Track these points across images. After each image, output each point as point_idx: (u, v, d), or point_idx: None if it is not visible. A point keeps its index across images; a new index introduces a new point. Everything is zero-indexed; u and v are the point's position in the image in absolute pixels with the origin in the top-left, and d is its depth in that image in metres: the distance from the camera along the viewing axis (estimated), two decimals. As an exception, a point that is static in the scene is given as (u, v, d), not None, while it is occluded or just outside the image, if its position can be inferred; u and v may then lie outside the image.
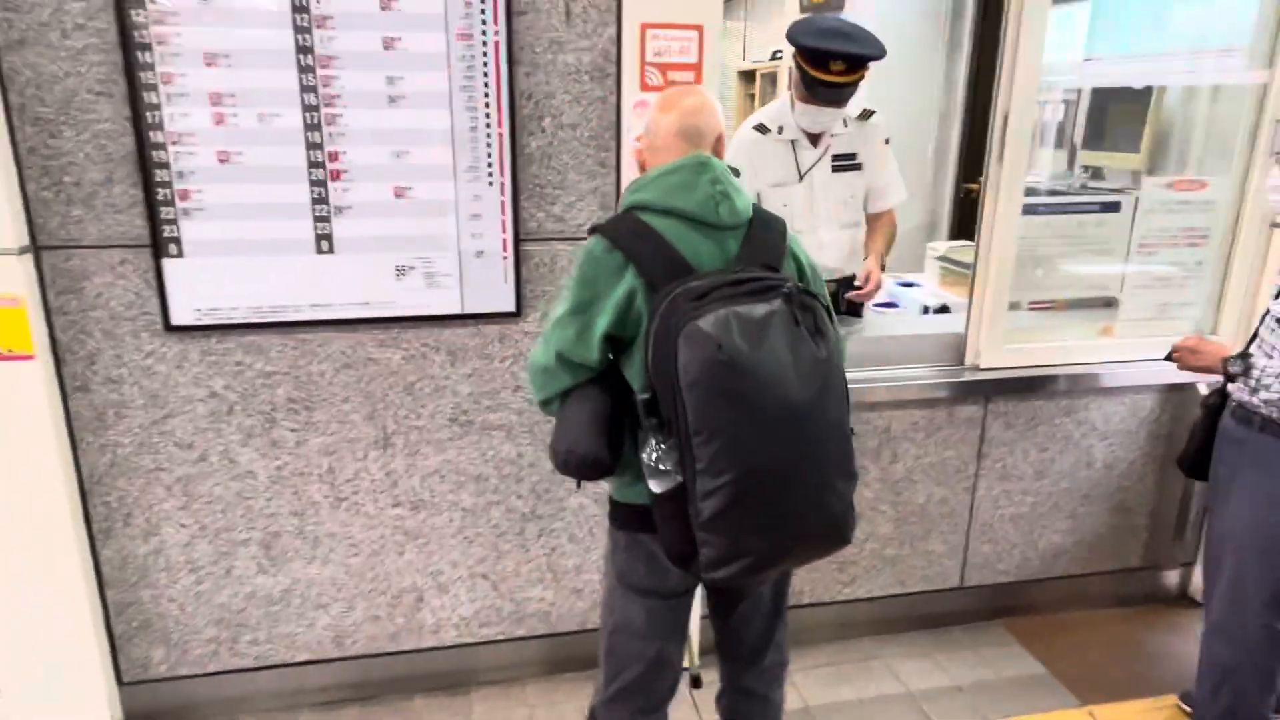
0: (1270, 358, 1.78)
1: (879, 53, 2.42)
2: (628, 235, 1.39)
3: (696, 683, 2.00)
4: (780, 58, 5.88)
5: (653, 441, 1.36)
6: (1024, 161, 2.33)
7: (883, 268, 2.78)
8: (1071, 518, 2.67)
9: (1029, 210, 2.41)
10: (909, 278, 3.32)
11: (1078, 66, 3.02)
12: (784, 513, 1.36)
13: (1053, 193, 2.83)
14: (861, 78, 2.43)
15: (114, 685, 2.19)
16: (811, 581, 2.53)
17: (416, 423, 2.18)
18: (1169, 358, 2.12)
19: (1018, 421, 2.52)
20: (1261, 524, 1.83)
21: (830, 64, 2.34)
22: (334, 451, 2.16)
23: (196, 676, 2.28)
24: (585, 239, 1.52)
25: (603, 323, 1.37)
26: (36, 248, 1.89)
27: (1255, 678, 1.95)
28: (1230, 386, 1.91)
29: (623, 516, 1.56)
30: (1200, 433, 2.05)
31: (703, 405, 1.26)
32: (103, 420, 2.04)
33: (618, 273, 1.37)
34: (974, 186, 3.94)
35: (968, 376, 2.46)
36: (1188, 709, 2.29)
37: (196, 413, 2.07)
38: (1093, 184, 2.98)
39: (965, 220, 4.21)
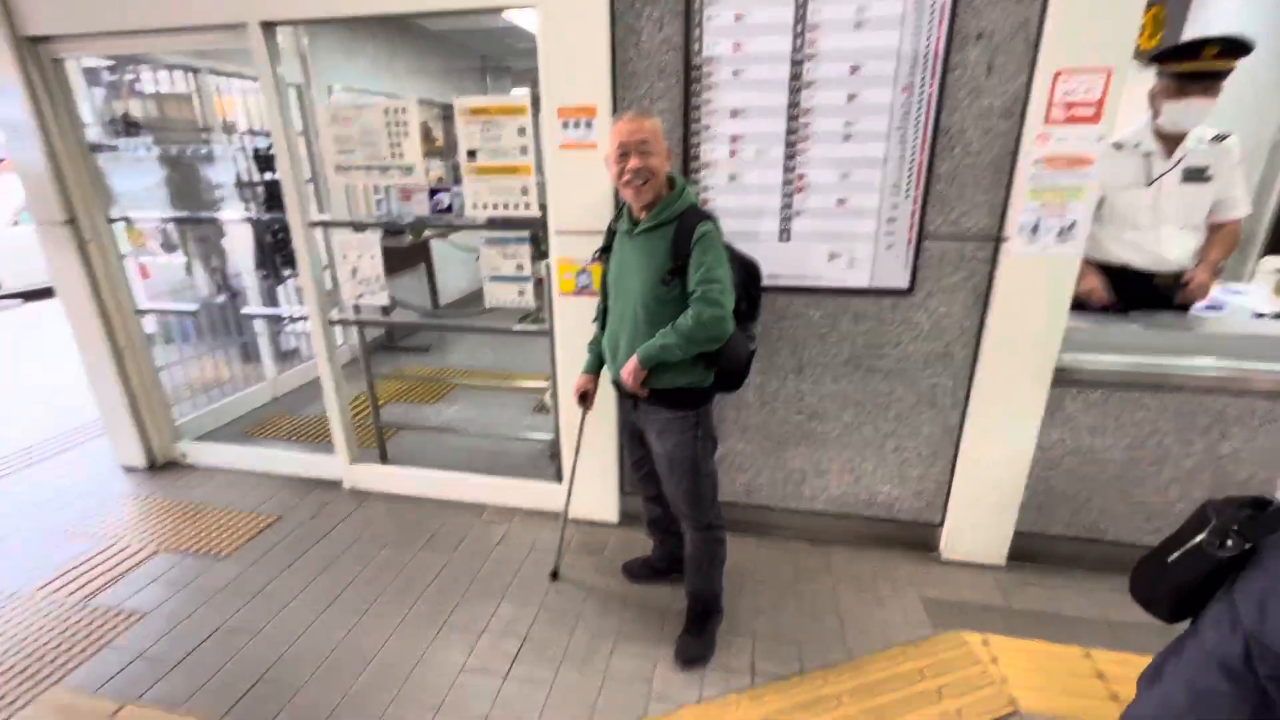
0: None
1: (1249, 43, 1.93)
2: (715, 221, 1.63)
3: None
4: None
5: (754, 323, 1.84)
6: None
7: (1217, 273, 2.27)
8: None
9: None
10: (1234, 286, 2.64)
11: None
12: None
13: None
14: (1233, 68, 1.96)
15: (619, 494, 2.52)
16: (1117, 524, 2.18)
17: (822, 360, 2.19)
18: None
19: (1373, 423, 1.91)
20: None
21: (1204, 51, 1.92)
22: (765, 372, 2.24)
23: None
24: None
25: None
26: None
27: None
28: None
29: (709, 392, 1.74)
30: None
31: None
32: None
33: (722, 242, 1.64)
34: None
35: (1322, 376, 1.91)
36: None
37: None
38: None
39: (1283, 238, 3.21)
